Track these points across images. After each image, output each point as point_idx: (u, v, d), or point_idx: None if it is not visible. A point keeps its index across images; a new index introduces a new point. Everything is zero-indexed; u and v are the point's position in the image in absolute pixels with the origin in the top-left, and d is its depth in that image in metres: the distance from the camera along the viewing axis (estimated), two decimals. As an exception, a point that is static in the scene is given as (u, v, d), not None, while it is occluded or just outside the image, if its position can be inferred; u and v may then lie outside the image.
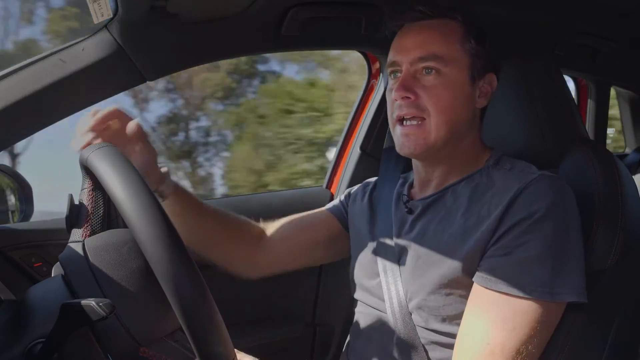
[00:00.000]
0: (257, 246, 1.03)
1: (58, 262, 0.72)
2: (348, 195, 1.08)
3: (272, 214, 1.44)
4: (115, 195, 0.59)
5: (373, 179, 1.08)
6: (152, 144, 0.85)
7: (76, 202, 0.73)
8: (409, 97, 0.81)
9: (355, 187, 1.08)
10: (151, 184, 0.87)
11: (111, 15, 0.89)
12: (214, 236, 0.99)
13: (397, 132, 0.85)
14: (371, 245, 0.94)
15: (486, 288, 0.74)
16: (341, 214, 1.06)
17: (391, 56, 0.86)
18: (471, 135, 0.87)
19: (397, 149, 0.86)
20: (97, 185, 0.77)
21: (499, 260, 0.74)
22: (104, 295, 0.65)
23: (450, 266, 0.78)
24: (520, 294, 0.71)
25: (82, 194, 0.76)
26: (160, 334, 0.67)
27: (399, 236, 0.89)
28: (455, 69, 0.82)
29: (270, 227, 1.05)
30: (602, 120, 1.90)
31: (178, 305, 0.53)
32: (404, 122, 0.83)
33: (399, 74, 0.85)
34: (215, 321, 0.55)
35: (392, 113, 0.85)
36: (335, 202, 1.09)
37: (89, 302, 0.58)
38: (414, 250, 0.84)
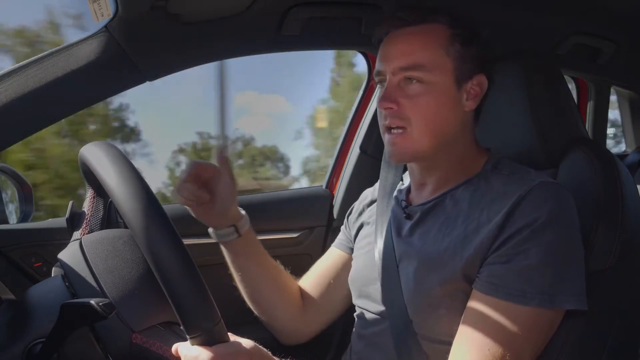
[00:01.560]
0: (301, 313, 1.05)
1: (58, 262, 0.72)
2: (348, 215, 1.09)
3: (272, 214, 1.45)
4: (92, 164, 0.59)
5: (370, 189, 1.09)
6: (235, 179, 0.93)
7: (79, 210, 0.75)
8: (391, 108, 0.82)
9: (355, 203, 1.10)
10: (231, 217, 0.95)
11: (111, 15, 0.89)
12: (267, 289, 1.02)
13: (386, 140, 0.86)
14: (370, 251, 0.94)
15: (486, 294, 0.74)
16: (348, 242, 1.06)
17: (377, 65, 0.86)
18: (464, 138, 0.86)
19: (388, 157, 0.86)
20: (100, 192, 0.77)
21: (499, 267, 0.74)
22: (98, 284, 0.65)
23: (450, 272, 0.77)
24: (520, 302, 0.71)
25: (85, 201, 0.77)
26: (154, 321, 0.67)
27: (398, 242, 0.88)
28: (439, 75, 0.81)
29: (305, 291, 1.06)
30: (602, 120, 1.90)
31: (153, 261, 0.53)
32: (391, 130, 0.84)
33: (385, 83, 0.84)
34: (196, 283, 0.55)
35: (380, 121, 0.86)
36: (340, 235, 1.10)
37: (89, 302, 0.58)
38: (414, 257, 0.84)
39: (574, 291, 0.73)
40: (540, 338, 0.73)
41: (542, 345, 0.74)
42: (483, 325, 0.72)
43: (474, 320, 0.74)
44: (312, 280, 1.06)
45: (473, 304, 0.75)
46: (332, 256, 1.07)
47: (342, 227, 1.10)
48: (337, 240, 1.09)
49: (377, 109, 0.86)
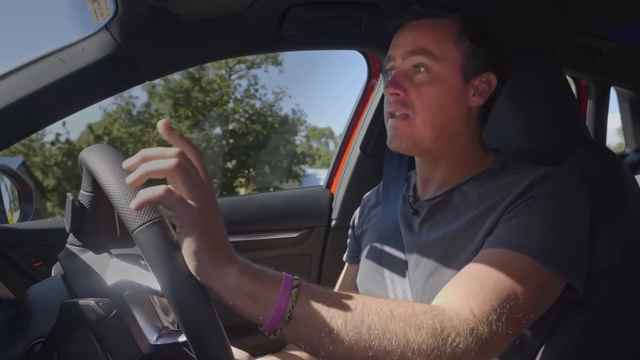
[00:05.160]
0: None
1: (58, 262, 0.72)
2: (353, 224, 1.08)
3: (272, 214, 1.45)
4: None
5: (369, 193, 1.08)
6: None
7: (75, 202, 0.72)
8: (397, 94, 0.83)
9: (356, 211, 1.09)
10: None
11: (111, 15, 0.89)
12: None
13: (388, 126, 0.86)
14: (378, 249, 0.93)
15: (484, 249, 0.73)
16: (358, 252, 1.04)
17: (389, 51, 0.88)
18: (468, 134, 0.86)
19: (387, 142, 0.87)
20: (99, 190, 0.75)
21: (501, 227, 0.74)
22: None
23: (465, 257, 0.76)
24: (515, 249, 0.70)
25: (82, 195, 0.74)
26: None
27: (408, 238, 0.88)
28: (447, 67, 0.82)
29: None
30: (602, 120, 1.90)
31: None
32: (394, 115, 0.85)
33: (394, 71, 0.86)
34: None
35: (385, 108, 0.87)
36: (349, 247, 1.08)
37: (89, 302, 0.58)
38: (424, 252, 0.83)
39: (569, 265, 0.72)
40: (535, 295, 0.68)
41: (537, 306, 0.70)
42: (477, 268, 0.70)
43: (469, 266, 0.71)
44: None
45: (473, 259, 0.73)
46: (350, 272, 1.06)
47: (349, 241, 1.08)
48: (348, 254, 1.08)
49: (384, 95, 0.87)
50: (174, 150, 0.53)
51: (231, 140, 15.09)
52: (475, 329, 0.61)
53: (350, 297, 0.58)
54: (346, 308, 0.56)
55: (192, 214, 0.52)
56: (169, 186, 0.52)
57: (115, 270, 0.66)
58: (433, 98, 0.82)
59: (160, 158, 0.52)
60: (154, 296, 0.68)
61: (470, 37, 0.84)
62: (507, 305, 0.64)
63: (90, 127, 14.54)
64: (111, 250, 0.70)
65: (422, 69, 0.82)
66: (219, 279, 0.52)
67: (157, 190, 0.50)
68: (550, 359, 0.77)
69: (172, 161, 0.52)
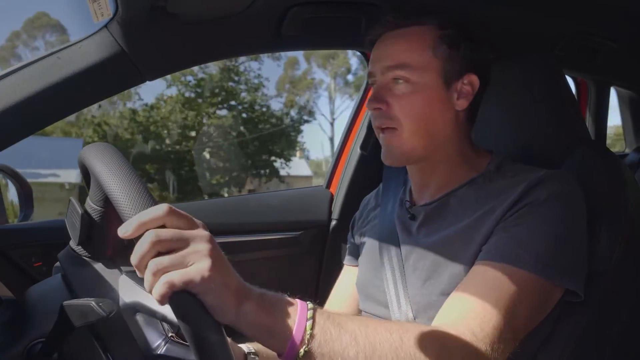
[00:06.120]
0: None
1: (58, 262, 0.72)
2: (352, 227, 1.08)
3: (272, 214, 1.45)
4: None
5: (369, 195, 1.08)
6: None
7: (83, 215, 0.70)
8: (380, 108, 0.83)
9: (355, 214, 1.09)
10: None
11: (111, 15, 0.89)
12: None
13: (381, 140, 0.87)
14: (375, 253, 0.93)
15: (482, 260, 0.73)
16: (357, 254, 1.04)
17: (369, 67, 0.89)
18: (459, 138, 0.86)
19: (382, 159, 0.88)
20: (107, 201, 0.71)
21: (497, 237, 0.74)
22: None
23: (462, 261, 0.77)
24: (515, 264, 0.70)
25: (91, 208, 0.70)
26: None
27: (405, 241, 0.88)
28: (426, 75, 0.82)
29: None
30: (602, 120, 1.91)
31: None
32: (384, 130, 0.85)
33: (375, 85, 0.87)
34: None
35: (372, 122, 0.88)
36: (348, 251, 1.08)
37: (89, 302, 0.58)
38: (422, 255, 0.83)
39: (570, 271, 0.72)
40: (535, 307, 0.71)
41: (537, 316, 0.72)
42: (477, 284, 0.71)
43: (468, 280, 0.73)
44: (339, 306, 1.02)
45: (470, 272, 0.74)
46: (348, 274, 1.05)
47: (348, 244, 1.08)
48: (347, 257, 1.08)
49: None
50: (145, 239, 0.49)
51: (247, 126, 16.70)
52: (478, 349, 0.64)
53: (362, 325, 0.61)
54: (358, 337, 0.59)
55: (202, 279, 0.50)
56: (168, 279, 0.49)
57: (127, 289, 0.66)
58: (415, 107, 0.82)
59: (140, 252, 0.49)
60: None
61: (448, 42, 0.84)
62: (508, 322, 0.67)
63: (132, 111, 15.34)
64: (121, 267, 0.70)
65: (401, 81, 0.83)
66: (239, 318, 0.54)
67: (162, 287, 0.49)
68: (552, 356, 0.77)
69: (145, 247, 0.49)
